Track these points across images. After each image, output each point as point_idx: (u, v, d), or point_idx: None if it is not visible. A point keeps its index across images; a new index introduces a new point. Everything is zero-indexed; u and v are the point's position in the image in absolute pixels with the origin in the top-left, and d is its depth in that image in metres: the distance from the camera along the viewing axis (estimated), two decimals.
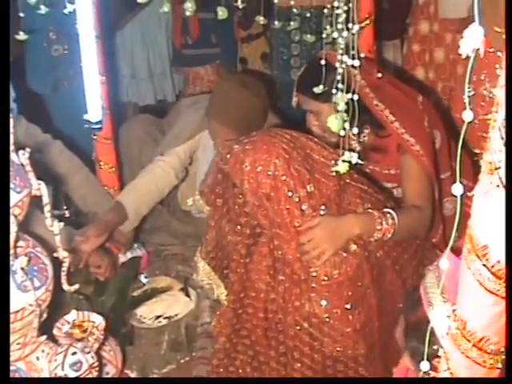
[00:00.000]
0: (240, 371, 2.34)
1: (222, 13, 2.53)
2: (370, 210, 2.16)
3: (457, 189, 0.74)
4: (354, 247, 2.12)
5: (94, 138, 2.94)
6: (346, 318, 2.11)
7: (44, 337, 1.89)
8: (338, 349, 2.15)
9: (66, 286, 1.92)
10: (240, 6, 2.76)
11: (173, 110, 3.64)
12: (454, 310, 0.79)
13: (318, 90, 1.96)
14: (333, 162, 2.05)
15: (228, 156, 2.13)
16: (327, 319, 2.11)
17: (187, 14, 2.47)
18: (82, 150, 3.09)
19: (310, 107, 2.44)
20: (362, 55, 2.24)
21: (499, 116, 0.66)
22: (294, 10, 3.57)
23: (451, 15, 3.20)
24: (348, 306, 2.11)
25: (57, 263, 1.87)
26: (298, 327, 2.16)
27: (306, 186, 2.06)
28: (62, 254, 1.85)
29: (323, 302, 2.11)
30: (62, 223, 1.79)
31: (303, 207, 2.06)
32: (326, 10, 3.29)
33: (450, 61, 3.27)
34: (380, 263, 2.18)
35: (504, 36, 0.63)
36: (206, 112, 2.89)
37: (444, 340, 0.80)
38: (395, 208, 2.22)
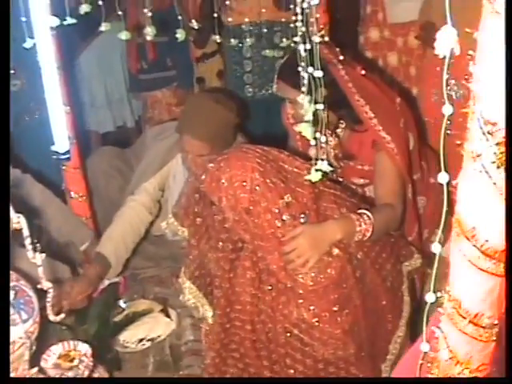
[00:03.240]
0: None
1: (180, 35, 2.58)
2: (347, 214, 2.22)
3: (442, 177, 0.80)
4: (336, 251, 2.17)
5: (63, 168, 2.95)
6: (334, 321, 2.16)
7: (35, 369, 1.90)
8: (329, 351, 2.19)
9: (52, 317, 1.93)
10: (196, 27, 2.83)
11: (138, 140, 3.67)
12: (447, 292, 0.85)
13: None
14: (305, 171, 2.11)
15: (203, 176, 2.17)
16: (316, 323, 2.16)
17: (148, 38, 2.52)
18: (51, 181, 3.09)
19: (288, 95, 2.50)
20: (341, 57, 2.35)
21: (477, 108, 0.72)
22: (243, 27, 3.65)
23: (400, 19, 3.29)
24: (335, 309, 2.15)
25: (41, 295, 1.89)
26: (289, 334, 2.20)
27: (284, 196, 2.11)
28: (45, 284, 1.87)
29: (311, 307, 2.15)
30: (43, 254, 1.81)
31: (283, 217, 2.11)
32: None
33: (402, 63, 3.35)
34: (361, 264, 2.23)
35: (475, 36, 0.69)
36: (178, 127, 2.92)
37: (442, 320, 0.86)
38: (369, 208, 2.28)
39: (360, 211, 2.23)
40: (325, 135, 1.75)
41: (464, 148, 0.76)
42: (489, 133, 0.71)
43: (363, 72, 2.51)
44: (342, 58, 2.45)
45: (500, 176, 0.72)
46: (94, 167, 3.28)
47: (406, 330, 2.32)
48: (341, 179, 2.63)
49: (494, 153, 0.71)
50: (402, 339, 2.31)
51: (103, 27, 2.58)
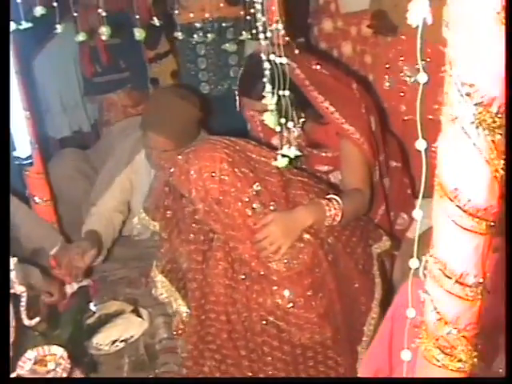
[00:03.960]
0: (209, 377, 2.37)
1: (139, 34, 2.59)
2: (317, 200, 2.25)
3: (420, 144, 0.83)
4: (307, 236, 2.21)
5: (26, 173, 2.93)
6: (309, 305, 2.19)
7: (14, 373, 1.90)
8: (306, 336, 2.22)
9: (26, 321, 1.94)
10: (157, 24, 2.83)
11: (102, 139, 3.67)
12: (431, 255, 0.88)
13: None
14: (273, 160, 2.14)
15: (172, 169, 2.19)
16: (292, 309, 2.18)
17: (103, 38, 2.52)
18: (15, 187, 3.05)
19: (255, 108, 2.51)
20: (297, 51, 2.37)
21: (453, 72, 0.75)
22: (197, 25, 3.67)
23: (353, 9, 3.33)
24: (310, 293, 2.18)
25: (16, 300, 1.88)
26: (265, 322, 2.22)
27: (253, 185, 2.14)
28: (19, 289, 1.87)
29: (286, 293, 2.18)
30: (15, 258, 1.80)
31: (254, 206, 2.14)
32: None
33: (357, 52, 3.39)
34: (332, 248, 2.27)
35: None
36: (142, 124, 2.94)
37: (428, 283, 0.89)
38: (338, 194, 2.32)
39: (329, 196, 2.27)
40: (292, 121, 1.78)
41: (442, 112, 0.79)
42: (466, 94, 0.74)
43: (318, 67, 2.54)
44: (297, 51, 2.48)
45: (479, 136, 0.75)
46: (58, 171, 3.26)
47: (379, 311, 2.35)
48: (305, 167, 2.65)
49: (473, 114, 0.74)
50: (375, 321, 2.34)
51: (59, 29, 2.57)
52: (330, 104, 2.44)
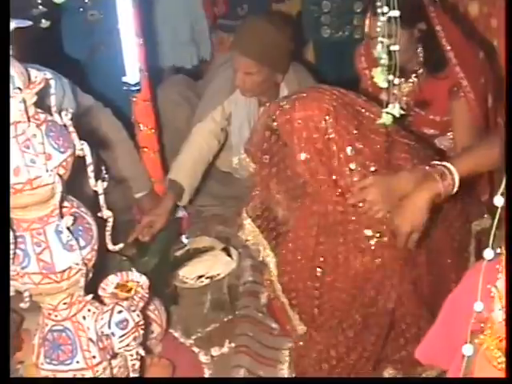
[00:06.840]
0: None
1: None
2: (421, 166, 2.08)
3: None
4: None
5: (133, 99, 2.94)
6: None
7: (90, 296, 1.92)
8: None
9: (110, 246, 1.95)
10: None
11: (208, 70, 3.65)
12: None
13: None
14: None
15: (277, 113, 2.12)
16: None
17: None
18: (121, 113, 3.09)
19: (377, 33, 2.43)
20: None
21: None
22: None
23: None
24: (400, 263, 2.10)
25: (101, 223, 1.89)
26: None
27: (355, 143, 2.03)
28: (106, 213, 1.88)
29: (377, 260, 2.11)
30: (105, 183, 1.81)
31: (351, 166, 2.05)
32: None
33: (483, 14, 3.20)
34: (429, 220, 2.14)
35: None
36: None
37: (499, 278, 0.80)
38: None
39: (437, 163, 2.05)
40: (398, 78, 1.67)
41: None
42: None
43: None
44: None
45: None
46: (163, 96, 3.27)
47: None
48: (412, 130, 2.54)
49: None
50: None
51: None
52: (455, 56, 2.38)
